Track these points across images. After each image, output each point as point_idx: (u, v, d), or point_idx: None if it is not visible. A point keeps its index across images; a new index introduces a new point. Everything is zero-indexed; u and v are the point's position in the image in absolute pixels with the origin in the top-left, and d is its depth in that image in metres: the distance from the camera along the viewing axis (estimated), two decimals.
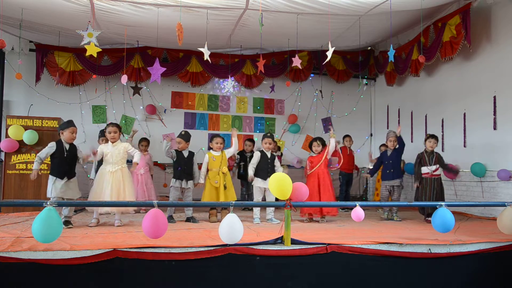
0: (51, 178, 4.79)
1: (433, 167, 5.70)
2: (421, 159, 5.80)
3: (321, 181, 5.65)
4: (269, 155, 5.68)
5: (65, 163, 4.81)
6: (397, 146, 6.09)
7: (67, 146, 4.86)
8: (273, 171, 5.60)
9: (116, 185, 4.94)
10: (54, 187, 4.73)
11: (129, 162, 5.14)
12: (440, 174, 5.78)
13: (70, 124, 4.93)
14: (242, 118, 9.04)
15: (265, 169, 5.55)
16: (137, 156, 5.07)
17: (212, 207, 5.61)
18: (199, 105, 8.81)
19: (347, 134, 7.64)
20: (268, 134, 5.76)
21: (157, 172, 7.76)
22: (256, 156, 5.64)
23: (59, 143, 4.85)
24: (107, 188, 4.91)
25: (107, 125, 5.21)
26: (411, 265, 3.79)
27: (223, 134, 8.72)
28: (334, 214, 5.66)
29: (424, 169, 5.74)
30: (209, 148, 6.07)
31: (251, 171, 5.57)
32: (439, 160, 5.76)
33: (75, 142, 5.05)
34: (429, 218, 5.60)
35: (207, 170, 5.54)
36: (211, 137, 5.75)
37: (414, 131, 8.06)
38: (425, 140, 5.90)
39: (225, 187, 5.43)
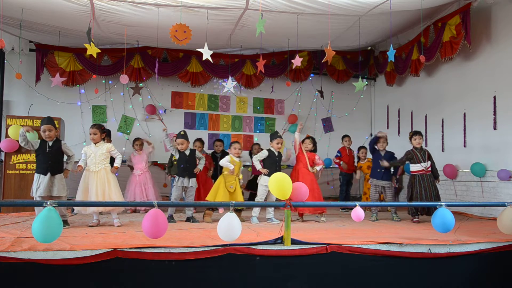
0: (35, 176, 4.79)
1: (428, 164, 5.71)
2: (413, 157, 5.76)
3: (300, 180, 5.63)
4: (277, 154, 5.72)
5: (48, 159, 4.80)
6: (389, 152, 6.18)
7: (50, 143, 4.86)
8: (280, 169, 5.65)
9: (101, 184, 4.97)
10: (38, 185, 4.73)
11: (123, 162, 5.15)
12: (431, 171, 5.76)
13: (43, 122, 4.90)
14: (242, 118, 9.04)
15: (273, 168, 5.58)
16: (118, 160, 5.17)
17: (208, 207, 5.59)
18: (199, 105, 8.81)
19: (346, 134, 7.63)
20: (279, 134, 5.83)
21: (157, 172, 7.76)
22: (264, 153, 5.66)
23: (43, 141, 4.89)
24: (92, 188, 4.95)
25: (90, 126, 5.30)
26: (411, 265, 3.79)
27: (223, 134, 8.75)
28: (309, 212, 5.75)
29: (417, 167, 5.72)
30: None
31: (259, 165, 5.60)
32: (430, 157, 5.78)
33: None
34: (417, 219, 5.62)
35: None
36: (231, 143, 5.80)
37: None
38: (410, 138, 5.89)
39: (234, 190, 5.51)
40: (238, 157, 5.65)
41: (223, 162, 5.59)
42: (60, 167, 4.91)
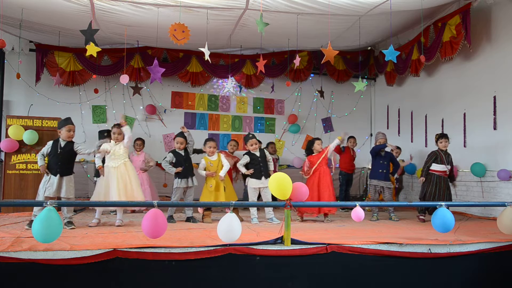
0: (45, 177, 4.79)
1: (449, 167, 5.74)
2: (437, 157, 5.77)
3: (321, 179, 5.70)
4: (258, 154, 5.69)
5: (59, 160, 4.79)
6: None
7: (62, 144, 4.87)
8: (267, 169, 5.65)
9: (122, 179, 5.01)
10: (48, 185, 4.71)
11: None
12: (448, 174, 5.81)
13: (67, 122, 4.94)
14: (242, 118, 9.04)
15: (258, 169, 5.58)
16: (127, 132, 5.16)
17: (206, 208, 5.58)
18: (199, 105, 8.81)
19: (352, 136, 7.65)
20: (251, 135, 5.77)
21: (157, 172, 7.75)
22: (245, 159, 5.65)
23: (55, 141, 4.90)
24: (113, 183, 4.96)
25: (112, 126, 5.35)
26: (411, 265, 3.79)
27: (223, 134, 8.75)
28: (333, 212, 5.82)
29: (441, 167, 5.72)
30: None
31: (243, 169, 5.61)
32: (451, 162, 5.81)
33: (76, 140, 5.08)
34: (422, 217, 5.64)
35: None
36: (204, 141, 5.72)
37: (414, 131, 8.05)
38: (436, 141, 5.90)
39: (224, 189, 5.45)
40: (217, 153, 5.63)
41: (199, 171, 5.52)
42: (70, 168, 4.91)
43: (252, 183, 5.58)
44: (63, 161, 4.83)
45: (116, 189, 4.92)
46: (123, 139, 5.20)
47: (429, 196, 5.70)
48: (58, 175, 4.76)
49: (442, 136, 5.88)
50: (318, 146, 5.90)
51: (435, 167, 5.79)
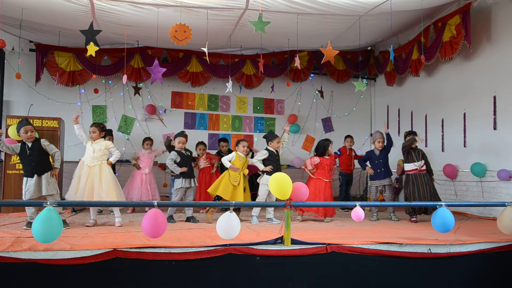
0: (24, 180, 4.76)
1: (421, 163, 5.74)
2: (409, 155, 5.80)
3: (327, 184, 5.77)
4: (276, 153, 5.76)
5: (31, 161, 4.76)
6: (385, 145, 6.17)
7: (29, 144, 4.81)
8: (280, 168, 5.71)
9: (91, 179, 4.98)
10: (27, 188, 4.69)
11: (127, 161, 5.09)
12: (425, 170, 5.80)
13: (21, 124, 4.84)
14: (242, 118, 9.04)
15: (275, 167, 5.62)
16: (114, 157, 5.23)
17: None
18: (199, 105, 8.81)
19: (348, 135, 7.64)
20: (276, 134, 5.88)
21: (157, 172, 7.75)
22: (263, 154, 5.68)
23: (22, 144, 4.84)
24: (82, 180, 4.96)
25: (91, 125, 5.37)
26: (411, 265, 3.80)
27: (223, 134, 8.75)
28: (332, 215, 5.83)
29: (411, 166, 5.75)
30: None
31: (261, 165, 5.63)
32: (424, 156, 5.82)
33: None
34: (415, 219, 5.63)
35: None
36: (237, 141, 5.82)
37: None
38: (405, 138, 5.92)
39: (244, 190, 5.51)
40: (246, 154, 5.70)
41: (224, 160, 5.64)
42: (46, 165, 4.87)
43: (266, 179, 5.54)
44: (36, 160, 4.78)
45: (82, 188, 4.91)
46: (98, 138, 5.20)
47: (410, 196, 5.70)
48: (35, 175, 4.73)
49: (410, 133, 5.92)
50: (331, 149, 5.95)
51: (407, 167, 5.82)
